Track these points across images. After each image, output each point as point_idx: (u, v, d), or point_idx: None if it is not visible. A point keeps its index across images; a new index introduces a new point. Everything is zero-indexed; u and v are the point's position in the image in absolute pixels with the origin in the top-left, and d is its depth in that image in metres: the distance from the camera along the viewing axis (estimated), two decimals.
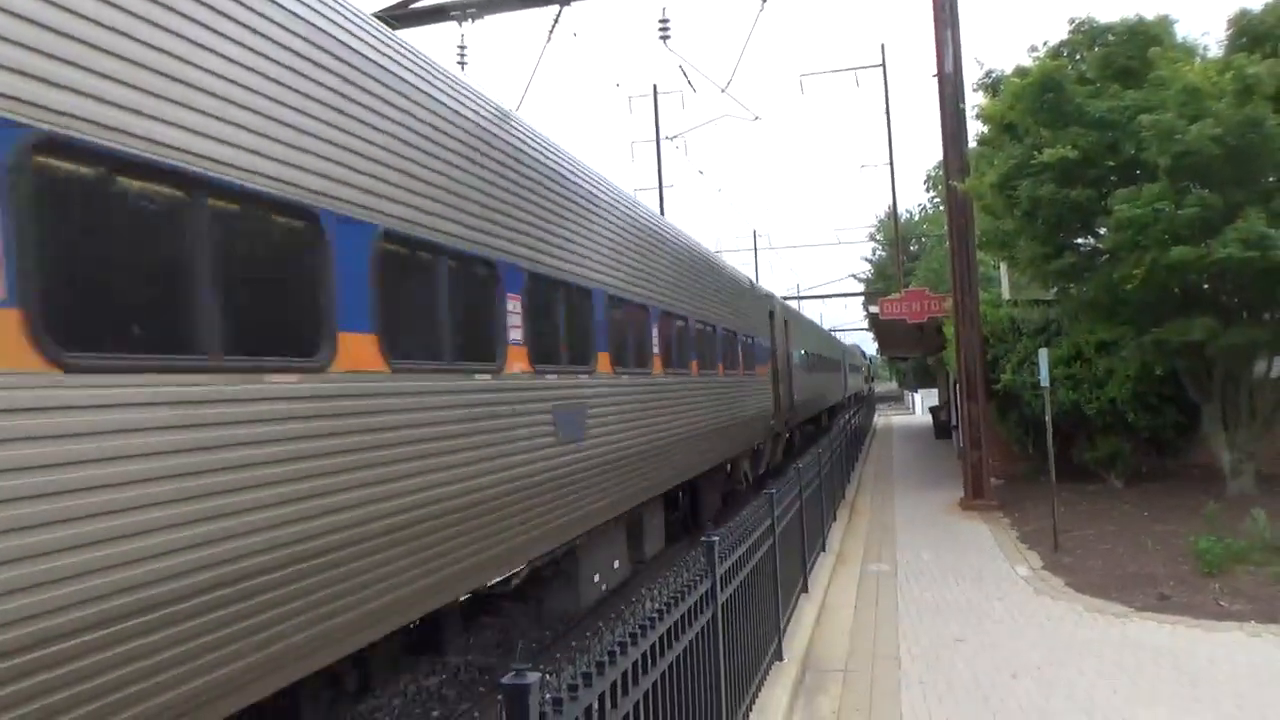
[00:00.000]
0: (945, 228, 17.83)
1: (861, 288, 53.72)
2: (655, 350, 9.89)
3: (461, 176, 5.79)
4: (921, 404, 49.21)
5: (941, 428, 28.92)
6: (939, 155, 16.24)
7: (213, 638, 3.48)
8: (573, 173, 7.97)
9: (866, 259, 55.90)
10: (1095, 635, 7.29)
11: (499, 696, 2.22)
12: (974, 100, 14.47)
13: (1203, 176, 11.06)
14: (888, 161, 53.40)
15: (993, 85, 14.02)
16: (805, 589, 8.38)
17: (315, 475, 4.13)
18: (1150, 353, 13.01)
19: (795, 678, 6.24)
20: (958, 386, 15.98)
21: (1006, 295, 17.75)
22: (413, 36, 7.94)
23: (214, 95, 3.74)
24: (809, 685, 6.38)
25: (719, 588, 4.38)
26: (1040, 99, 12.26)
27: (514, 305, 6.36)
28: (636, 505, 8.96)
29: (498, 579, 6.13)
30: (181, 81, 3.58)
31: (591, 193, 8.38)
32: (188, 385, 3.50)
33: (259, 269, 4.10)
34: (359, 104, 4.77)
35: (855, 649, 7.25)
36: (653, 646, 3.26)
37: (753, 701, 5.28)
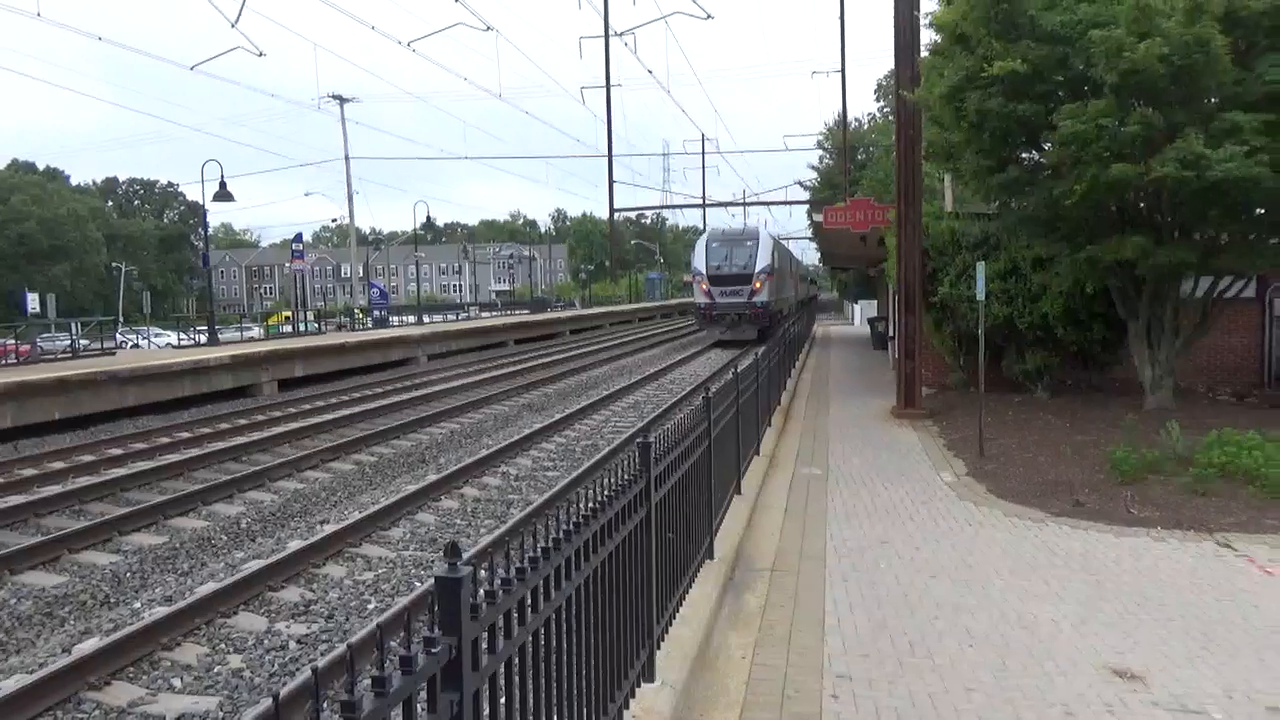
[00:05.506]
0: (893, 138, 17.75)
1: (808, 196, 53.65)
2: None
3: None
4: (861, 315, 49.98)
5: (879, 338, 29.47)
6: (891, 64, 16.05)
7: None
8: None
9: (813, 167, 55.75)
10: (1012, 539, 7.64)
11: (432, 589, 2.23)
12: (929, 8, 14.28)
13: (1148, 95, 11.13)
14: (839, 69, 52.74)
15: None
16: (739, 490, 8.58)
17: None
18: (1084, 270, 13.31)
19: (725, 575, 6.43)
20: (896, 297, 16.21)
21: (949, 208, 17.89)
22: None
23: None
24: (737, 582, 6.59)
25: (653, 488, 4.44)
26: (994, 9, 12.12)
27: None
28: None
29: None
30: None
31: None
32: None
33: None
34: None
35: (784, 548, 7.48)
36: (586, 543, 3.31)
37: (683, 597, 5.43)
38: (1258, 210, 12.11)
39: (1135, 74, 10.68)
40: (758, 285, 31.49)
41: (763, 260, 32.09)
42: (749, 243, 32.80)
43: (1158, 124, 10.91)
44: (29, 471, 13.03)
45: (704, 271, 32.43)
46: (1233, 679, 4.81)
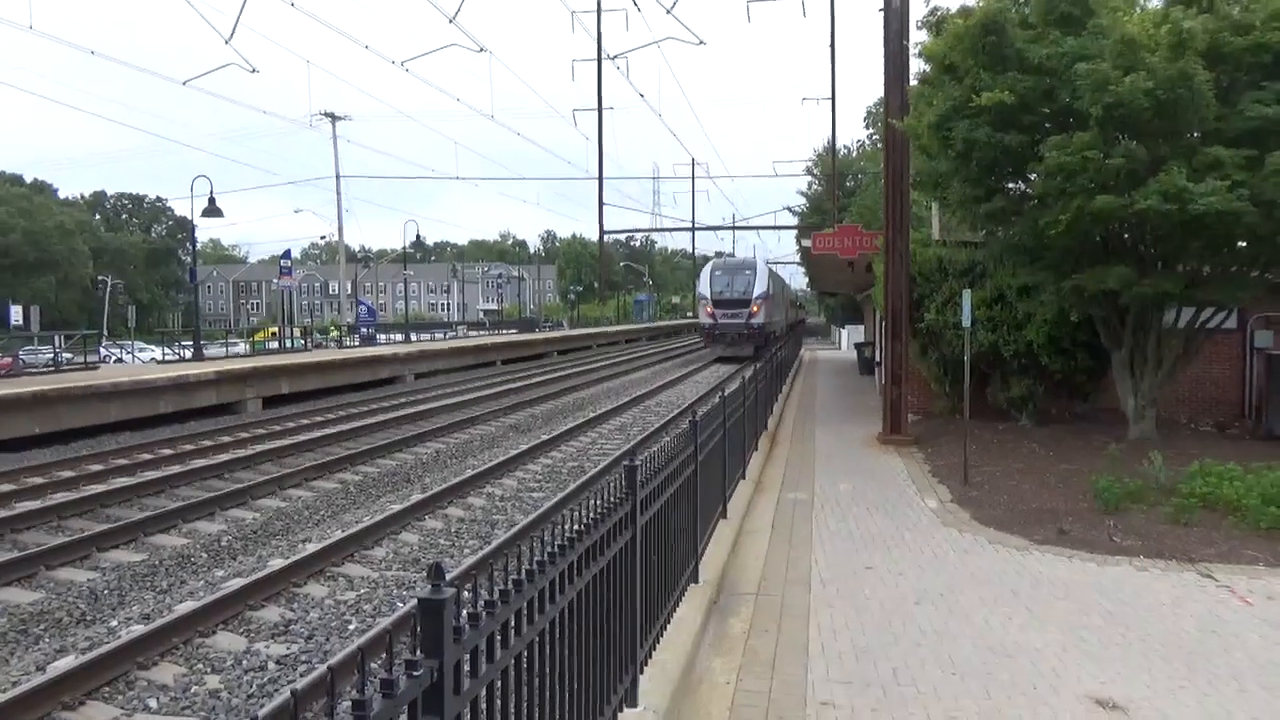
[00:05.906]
0: (882, 165, 17.92)
1: (796, 221, 53.98)
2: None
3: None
4: (848, 340, 50.16)
5: (865, 364, 29.57)
6: (881, 92, 16.22)
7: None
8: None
9: (802, 193, 56.14)
10: (996, 565, 7.65)
11: (415, 610, 2.21)
12: (918, 38, 14.45)
13: (1132, 128, 11.28)
14: (829, 96, 53.14)
15: (937, 24, 13.97)
16: (724, 514, 8.56)
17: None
18: (1068, 298, 13.42)
19: (709, 599, 6.41)
20: (883, 324, 16.29)
21: (936, 236, 18.03)
22: None
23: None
24: (722, 606, 6.57)
25: (639, 511, 4.43)
26: (982, 41, 12.28)
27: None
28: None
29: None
30: None
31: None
32: None
33: None
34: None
35: (769, 573, 7.47)
36: (571, 566, 3.29)
37: (667, 621, 5.41)
38: (1240, 243, 12.27)
39: (1120, 107, 10.83)
40: (755, 309, 36.37)
41: (760, 287, 36.87)
42: (748, 272, 37.94)
43: (1141, 157, 11.06)
44: (7, 487, 12.89)
45: (709, 296, 37.42)
46: (1214, 709, 4.82)
